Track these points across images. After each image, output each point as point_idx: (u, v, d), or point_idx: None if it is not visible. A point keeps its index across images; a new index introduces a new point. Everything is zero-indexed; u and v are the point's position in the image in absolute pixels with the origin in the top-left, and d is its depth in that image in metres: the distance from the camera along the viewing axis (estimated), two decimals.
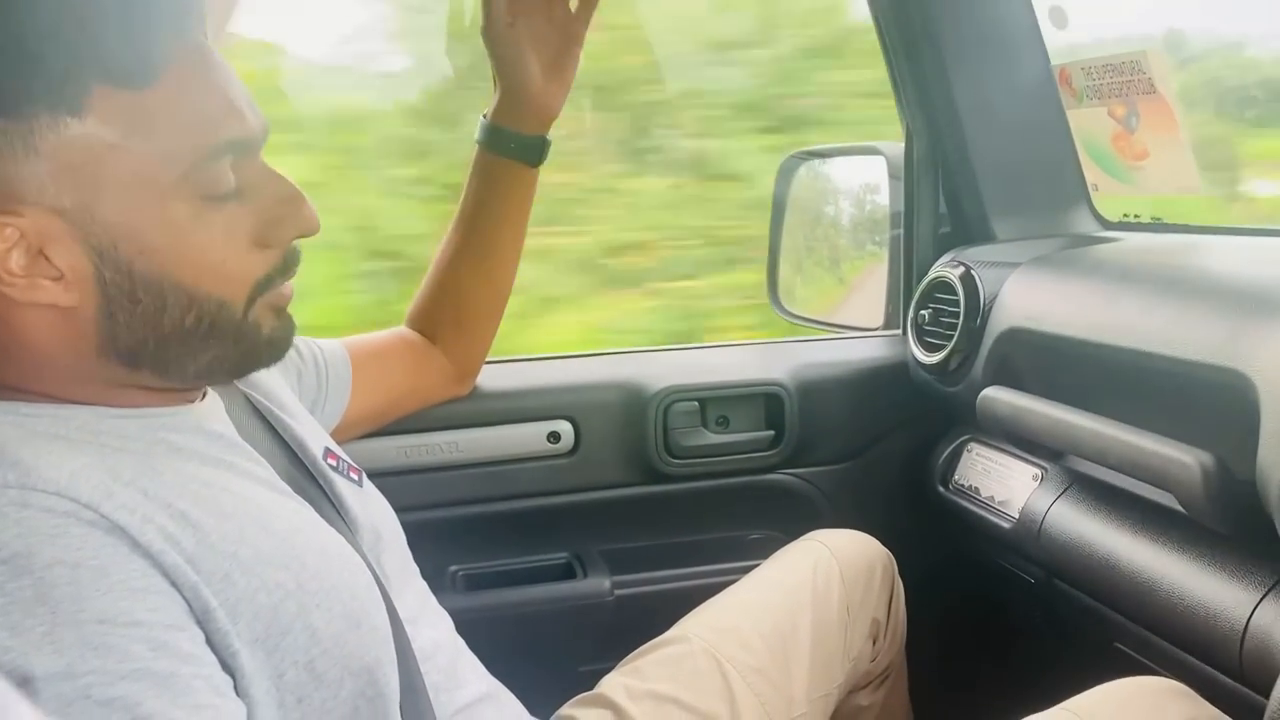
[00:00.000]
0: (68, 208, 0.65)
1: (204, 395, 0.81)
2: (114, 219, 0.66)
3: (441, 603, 0.97)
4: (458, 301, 1.24)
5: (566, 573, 1.42)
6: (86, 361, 0.70)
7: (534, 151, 1.19)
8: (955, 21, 1.43)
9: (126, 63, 0.65)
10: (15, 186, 0.64)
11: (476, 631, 0.99)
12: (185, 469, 0.71)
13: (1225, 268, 1.15)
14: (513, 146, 1.18)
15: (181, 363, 0.73)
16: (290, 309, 0.80)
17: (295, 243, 0.77)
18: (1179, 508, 0.99)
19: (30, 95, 0.63)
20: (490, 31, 1.15)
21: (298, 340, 1.09)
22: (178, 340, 0.71)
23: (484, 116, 1.19)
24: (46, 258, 0.66)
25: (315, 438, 0.91)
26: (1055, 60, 1.43)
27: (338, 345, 1.15)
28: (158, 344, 0.71)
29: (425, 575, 0.97)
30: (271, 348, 0.78)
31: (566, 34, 1.16)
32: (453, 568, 1.39)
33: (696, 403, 1.44)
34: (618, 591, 1.39)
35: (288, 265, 0.76)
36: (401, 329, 1.25)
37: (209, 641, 0.64)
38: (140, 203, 0.67)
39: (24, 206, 0.64)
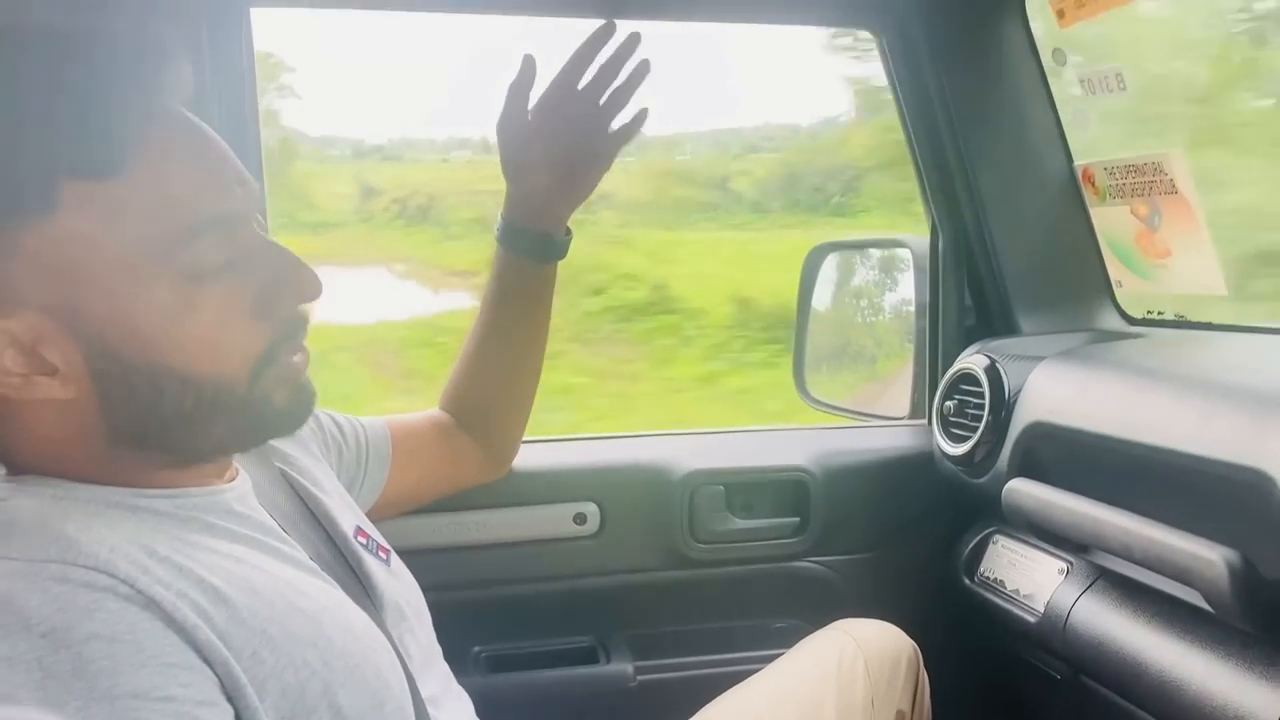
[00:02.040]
0: (54, 305, 0.65)
1: (236, 474, 0.81)
2: (99, 310, 0.66)
3: (463, 684, 0.97)
4: (485, 392, 1.24)
5: (589, 657, 1.41)
6: (98, 448, 0.71)
7: (548, 249, 1.17)
8: (980, 122, 1.47)
9: (92, 154, 0.65)
10: (1, 290, 0.65)
11: (498, 714, 0.99)
12: (217, 546, 0.72)
13: (1249, 367, 1.16)
14: (523, 245, 1.17)
15: (190, 442, 0.73)
16: (308, 376, 0.78)
17: (301, 309, 0.75)
18: (1206, 605, 0.99)
19: (4, 201, 0.64)
20: (505, 126, 1.13)
21: (341, 419, 1.10)
22: (180, 423, 0.71)
23: (506, 218, 1.18)
24: (40, 355, 0.66)
25: (347, 516, 0.92)
26: (1078, 160, 1.47)
27: (380, 424, 1.15)
28: (161, 428, 0.70)
29: (447, 655, 0.97)
30: (287, 419, 0.77)
31: (591, 150, 1.14)
32: (475, 648, 1.39)
33: (722, 487, 1.45)
34: (640, 677, 1.39)
35: (291, 334, 0.74)
36: (436, 412, 1.25)
37: (238, 718, 0.64)
38: (123, 291, 0.66)
39: (12, 308, 0.65)
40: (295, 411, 0.77)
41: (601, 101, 1.13)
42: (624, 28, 1.13)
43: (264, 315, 0.73)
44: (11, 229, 0.64)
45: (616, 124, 1.14)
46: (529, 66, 1.11)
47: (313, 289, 0.75)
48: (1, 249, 0.65)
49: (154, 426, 0.70)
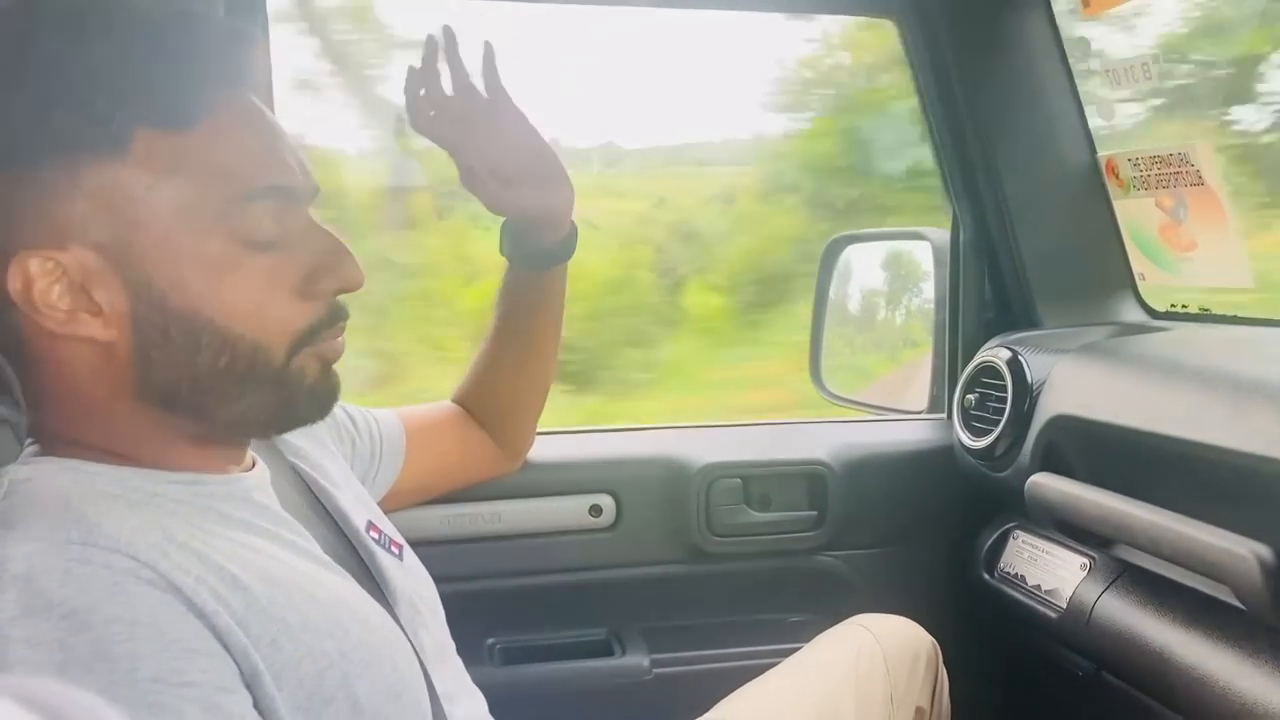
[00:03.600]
0: (107, 245, 0.67)
1: (253, 464, 0.81)
2: (151, 256, 0.68)
3: (478, 676, 0.96)
4: (498, 393, 1.23)
5: (605, 649, 1.41)
6: (125, 403, 0.71)
7: (555, 255, 1.15)
8: (1002, 112, 1.46)
9: (167, 107, 0.68)
10: (58, 223, 0.66)
11: (512, 707, 0.98)
12: (234, 535, 0.71)
13: (1278, 360, 1.14)
14: (528, 258, 1.15)
15: (218, 408, 0.73)
16: (337, 367, 0.79)
17: (341, 297, 0.77)
18: (1234, 601, 0.97)
19: (76, 137, 0.66)
20: (471, 183, 1.08)
21: (354, 410, 1.10)
22: (212, 383, 0.71)
23: (502, 231, 1.15)
24: (87, 293, 0.68)
25: (359, 510, 0.91)
26: (1102, 151, 1.45)
27: (393, 416, 1.15)
28: (192, 386, 0.71)
29: (462, 647, 0.96)
30: (312, 399, 0.77)
31: (517, 135, 1.07)
32: (490, 640, 1.38)
33: (739, 480, 1.44)
34: (656, 670, 1.38)
35: (333, 318, 0.76)
36: (449, 404, 1.25)
37: (255, 705, 0.64)
38: (177, 241, 0.68)
39: (66, 242, 0.67)
40: (324, 394, 0.78)
41: (477, 92, 1.05)
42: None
43: (308, 295, 0.74)
44: (79, 166, 0.66)
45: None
46: (466, 136, 1.06)
47: (355, 279, 0.76)
48: (66, 184, 0.66)
49: (185, 383, 0.71)
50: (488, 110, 1.05)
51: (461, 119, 1.05)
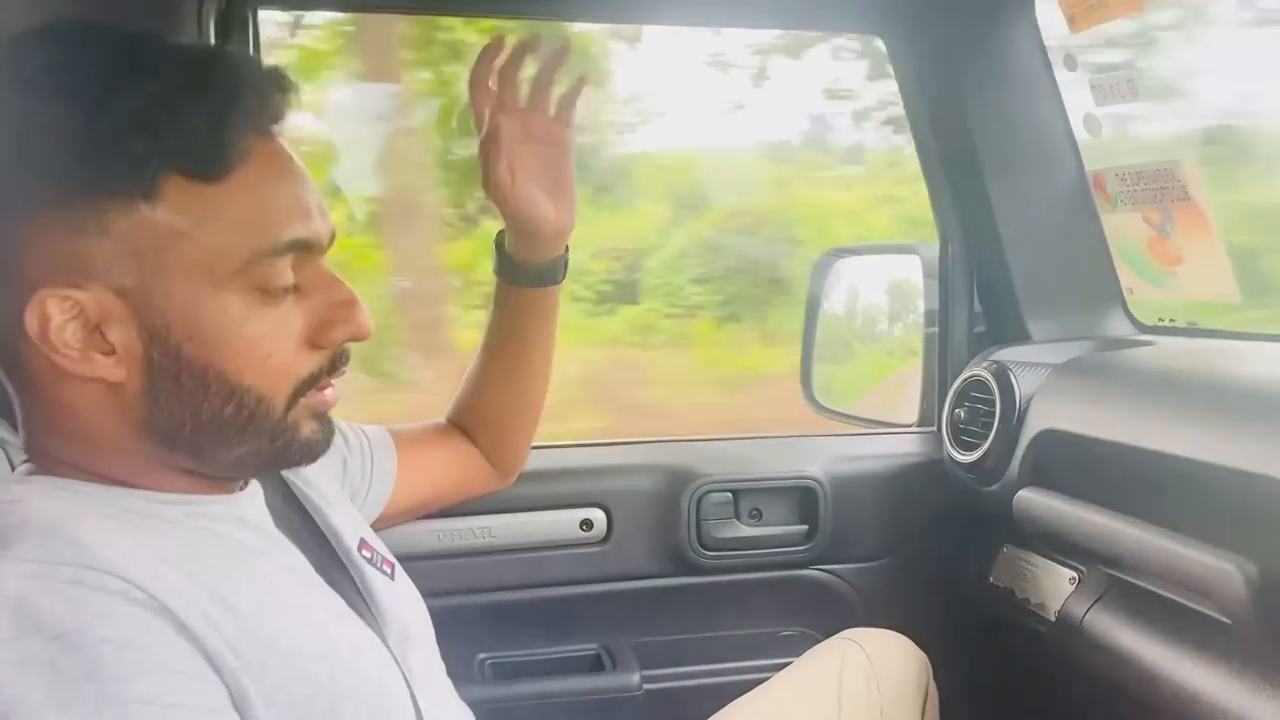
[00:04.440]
0: (128, 287, 0.67)
1: (245, 484, 0.81)
2: (170, 303, 0.68)
3: (468, 693, 0.95)
4: (491, 413, 1.22)
5: (595, 665, 1.40)
6: (127, 439, 0.71)
7: (552, 275, 1.15)
8: (991, 127, 1.46)
9: (204, 155, 0.68)
10: (82, 262, 0.66)
11: None
12: (226, 556, 0.72)
13: (1265, 375, 1.15)
14: (525, 277, 1.14)
15: (216, 452, 0.73)
16: (331, 414, 0.79)
17: (345, 347, 0.77)
18: (1222, 617, 0.97)
19: (111, 178, 0.66)
20: (498, 193, 1.08)
21: (346, 428, 1.09)
22: (214, 429, 0.72)
23: (496, 246, 1.15)
24: (102, 333, 0.68)
25: (351, 528, 0.91)
26: (1089, 166, 1.46)
27: (384, 434, 1.14)
28: (194, 430, 0.71)
29: (453, 663, 0.95)
30: (306, 450, 0.78)
31: (557, 149, 1.09)
32: (480, 656, 1.38)
33: (730, 494, 1.44)
34: (646, 686, 1.37)
35: (335, 366, 0.77)
36: (442, 422, 1.24)
37: None
38: (197, 290, 0.68)
39: (87, 281, 0.66)
40: (316, 444, 0.78)
41: (531, 103, 1.07)
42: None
43: (317, 345, 0.75)
44: (109, 209, 0.66)
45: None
46: (493, 120, 1.06)
47: (365, 330, 0.77)
48: (95, 226, 0.66)
49: (189, 426, 0.71)
50: (545, 128, 1.07)
51: (519, 124, 1.06)
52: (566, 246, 1.15)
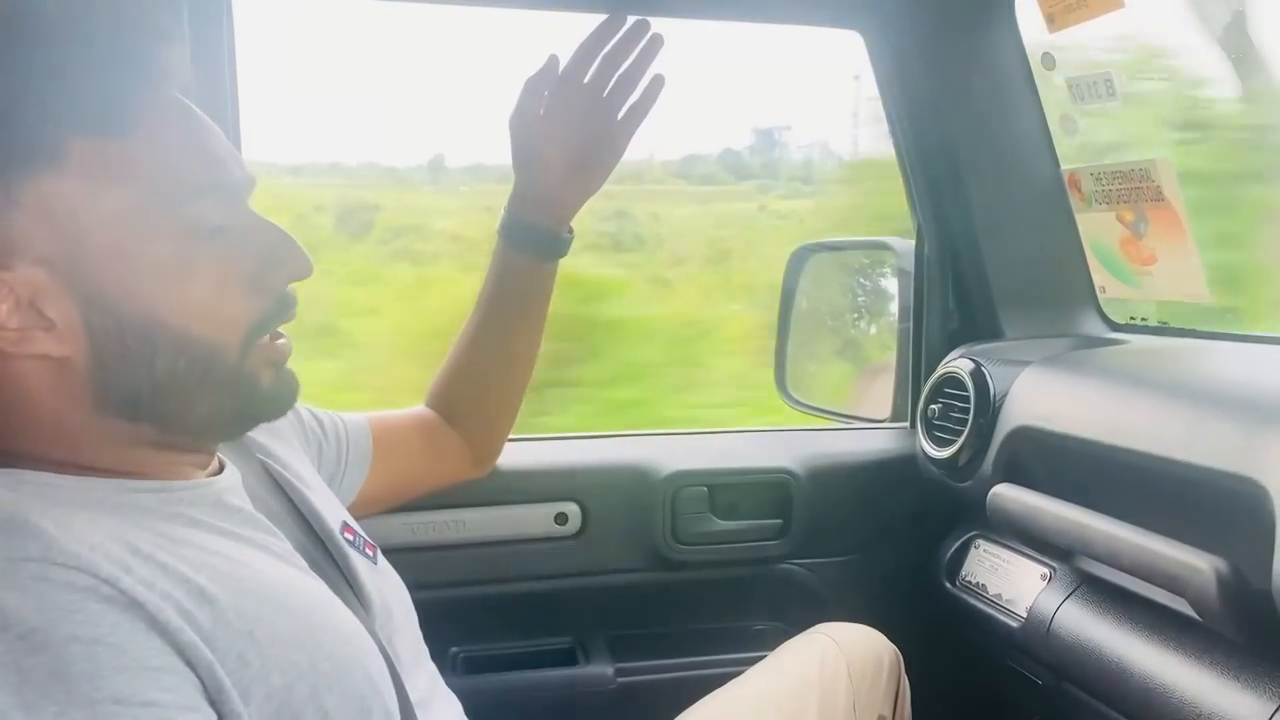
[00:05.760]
0: (54, 258, 0.66)
1: (222, 468, 0.80)
2: (99, 265, 0.67)
3: None
4: (476, 389, 1.23)
5: (568, 658, 1.40)
6: (86, 417, 0.70)
7: (550, 246, 1.17)
8: (967, 124, 1.47)
9: (102, 114, 0.67)
10: (1, 242, 0.65)
11: (476, 717, 0.97)
12: (204, 542, 0.70)
13: (1236, 374, 1.16)
14: (528, 240, 1.17)
15: (180, 414, 0.73)
16: (290, 366, 0.79)
17: (290, 289, 0.77)
18: (1192, 613, 0.99)
19: (7, 153, 0.65)
20: (517, 120, 1.14)
21: (321, 414, 1.09)
22: (171, 388, 0.71)
23: (504, 208, 1.19)
24: (37, 309, 0.66)
25: (332, 511, 0.91)
26: (1065, 165, 1.47)
27: (361, 419, 1.14)
28: (151, 393, 0.71)
29: None
30: (273, 402, 0.78)
31: (604, 142, 1.15)
32: (453, 649, 1.38)
33: (705, 488, 1.44)
34: (620, 679, 1.37)
35: (282, 309, 0.76)
36: (421, 409, 1.24)
37: None
38: (124, 247, 0.68)
39: (11, 260, 0.65)
40: (281, 395, 0.78)
41: (606, 92, 1.14)
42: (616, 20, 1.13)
43: (258, 289, 0.74)
44: (15, 181, 0.65)
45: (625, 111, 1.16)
46: (551, 65, 1.14)
47: (304, 268, 0.77)
48: (4, 201, 0.65)
49: (145, 390, 0.71)
50: (605, 120, 1.15)
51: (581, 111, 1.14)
52: (571, 229, 1.19)
